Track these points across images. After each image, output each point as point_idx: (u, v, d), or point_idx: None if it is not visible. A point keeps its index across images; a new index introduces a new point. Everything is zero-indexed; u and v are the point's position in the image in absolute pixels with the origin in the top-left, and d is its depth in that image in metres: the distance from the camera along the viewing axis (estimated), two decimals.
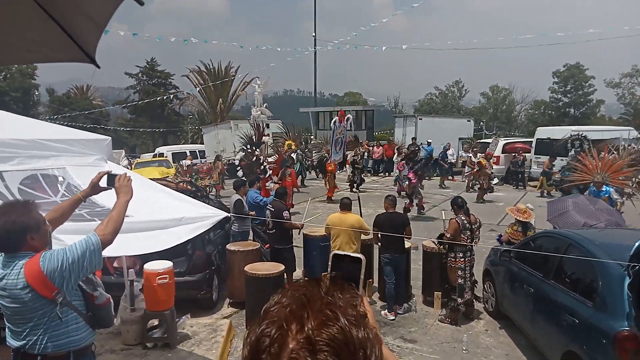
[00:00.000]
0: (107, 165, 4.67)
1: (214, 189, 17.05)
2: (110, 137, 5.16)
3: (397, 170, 17.66)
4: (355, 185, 17.93)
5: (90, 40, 1.62)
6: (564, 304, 4.92)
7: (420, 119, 25.45)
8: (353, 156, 18.49)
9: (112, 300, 2.97)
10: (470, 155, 18.69)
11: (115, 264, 6.75)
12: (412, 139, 22.70)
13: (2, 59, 1.96)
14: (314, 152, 19.54)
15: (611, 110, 49.46)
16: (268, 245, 8.10)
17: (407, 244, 7.26)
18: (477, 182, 16.93)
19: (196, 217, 4.42)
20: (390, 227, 6.74)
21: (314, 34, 34.61)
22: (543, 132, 20.58)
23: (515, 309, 6.22)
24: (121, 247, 4.10)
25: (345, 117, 16.59)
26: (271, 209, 7.78)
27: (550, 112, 44.02)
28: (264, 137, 15.94)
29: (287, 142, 18.53)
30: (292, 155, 18.11)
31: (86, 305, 2.81)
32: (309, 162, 19.64)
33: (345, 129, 16.57)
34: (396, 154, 20.50)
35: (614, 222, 7.18)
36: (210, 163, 20.75)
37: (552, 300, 5.19)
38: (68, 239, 3.28)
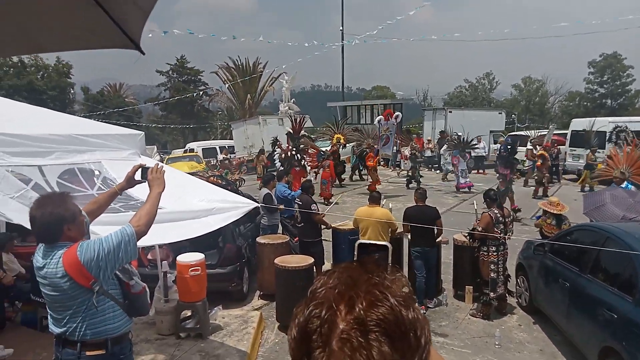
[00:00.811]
0: (140, 159, 4.78)
1: (243, 183, 17.28)
2: (142, 132, 5.26)
3: (452, 165, 17.24)
4: (413, 181, 17.23)
5: (136, 26, 1.63)
6: (601, 299, 4.77)
7: (450, 111, 25.03)
8: (411, 151, 18.15)
9: (147, 289, 3.04)
10: (531, 147, 17.45)
11: (149, 256, 6.92)
12: (441, 132, 22.37)
13: (47, 46, 2.00)
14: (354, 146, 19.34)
15: None
16: (297, 238, 8.14)
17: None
18: (537, 176, 16.01)
19: (226, 207, 4.50)
20: (420, 220, 6.67)
21: (341, 28, 34.44)
22: (578, 124, 19.95)
23: (550, 304, 6.07)
24: (155, 236, 4.20)
25: (394, 115, 16.53)
26: (299, 202, 7.81)
27: (585, 103, 42.65)
28: (302, 131, 16.02)
29: (335, 136, 18.49)
30: (341, 148, 18.08)
31: (123, 294, 2.89)
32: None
33: (394, 126, 16.47)
34: (442, 146, 19.39)
35: None
36: (239, 158, 21.04)
37: (589, 295, 5.04)
38: (103, 230, 3.39)
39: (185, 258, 5.71)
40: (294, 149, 14.92)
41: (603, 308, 4.66)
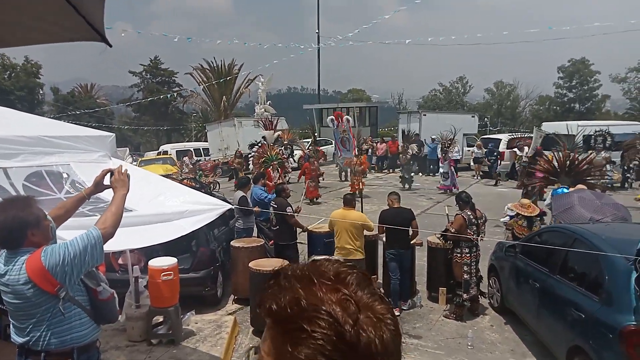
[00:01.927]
0: (111, 162, 4.67)
1: (217, 186, 17.10)
2: (113, 134, 5.15)
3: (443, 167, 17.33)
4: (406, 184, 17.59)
5: (96, 15, 1.58)
6: (570, 299, 4.88)
7: (425, 115, 25.34)
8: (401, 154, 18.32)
9: (116, 296, 2.97)
10: (516, 150, 17.42)
11: (120, 261, 6.76)
12: (415, 134, 22.61)
13: (11, 40, 1.92)
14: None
15: (616, 106, 49.11)
16: (272, 241, 8.09)
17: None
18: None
19: (200, 210, 4.43)
20: (395, 223, 6.71)
21: (317, 31, 34.55)
22: (548, 128, 20.44)
23: (521, 304, 6.19)
24: (126, 240, 4.11)
25: (344, 118, 16.61)
26: (274, 205, 7.77)
27: (555, 107, 43.77)
28: (276, 133, 15.97)
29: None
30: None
31: (90, 301, 2.81)
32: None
33: (348, 126, 16.51)
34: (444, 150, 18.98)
35: (621, 217, 7.12)
36: (214, 160, 20.81)
37: (557, 295, 5.15)
38: (70, 235, 3.29)
39: (157, 262, 5.61)
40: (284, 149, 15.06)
41: (571, 308, 4.76)
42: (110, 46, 1.78)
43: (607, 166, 13.52)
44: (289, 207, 7.70)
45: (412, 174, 18.18)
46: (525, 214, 7.50)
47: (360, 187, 15.30)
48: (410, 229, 6.89)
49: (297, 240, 8.01)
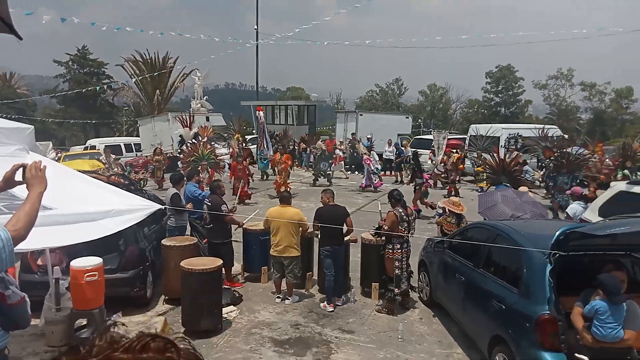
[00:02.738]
0: (29, 157, 4.36)
1: (145, 183, 16.39)
2: (32, 126, 4.82)
3: (365, 165, 17.69)
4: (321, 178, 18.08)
5: (2, 6, 1.46)
6: (492, 292, 5.16)
7: (361, 114, 25.81)
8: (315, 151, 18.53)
9: (27, 299, 2.76)
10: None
11: (39, 262, 6.34)
12: (352, 134, 22.99)
13: None
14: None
15: (538, 110, 52.51)
16: (206, 240, 7.92)
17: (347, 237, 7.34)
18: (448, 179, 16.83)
19: (126, 209, 4.24)
20: (330, 220, 6.78)
21: (255, 27, 34.20)
22: (474, 130, 21.54)
23: (448, 298, 6.46)
24: (44, 239, 3.85)
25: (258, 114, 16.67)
26: (208, 203, 7.60)
27: (483, 110, 46.12)
28: (193, 130, 15.32)
29: (236, 136, 18.22)
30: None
31: None
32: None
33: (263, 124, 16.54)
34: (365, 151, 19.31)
35: (538, 214, 7.64)
36: (146, 157, 19.97)
37: (481, 288, 5.43)
38: None
39: (80, 263, 5.31)
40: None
41: (493, 300, 5.03)
42: (21, 39, 1.65)
43: (526, 167, 14.47)
44: (224, 205, 7.56)
45: (326, 170, 18.59)
46: (456, 212, 7.83)
47: (286, 186, 15.35)
48: (344, 226, 6.99)
49: (232, 239, 7.90)
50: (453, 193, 15.95)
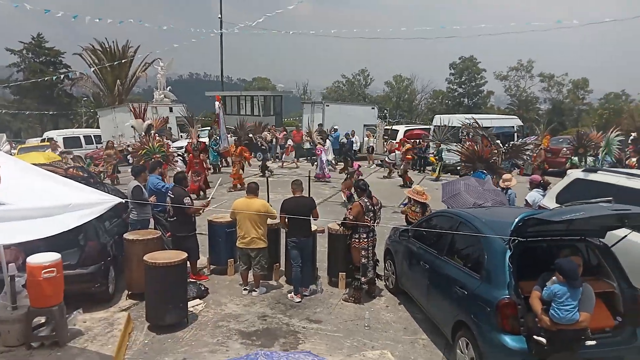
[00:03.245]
0: None
1: (104, 176, 15.83)
2: None
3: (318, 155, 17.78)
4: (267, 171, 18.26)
5: None
6: (455, 278, 5.28)
7: (328, 105, 25.81)
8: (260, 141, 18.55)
9: None
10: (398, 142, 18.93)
11: None
12: (319, 125, 22.99)
13: None
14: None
15: (499, 101, 53.87)
16: (170, 233, 7.77)
17: (314, 227, 7.36)
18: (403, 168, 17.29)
19: (85, 204, 4.10)
20: (297, 211, 6.76)
21: (219, 16, 33.59)
22: (438, 120, 21.92)
23: (413, 285, 6.58)
24: None
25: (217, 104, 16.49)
26: (171, 195, 7.45)
27: (447, 101, 46.93)
28: (147, 122, 14.75)
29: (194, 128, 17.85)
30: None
31: None
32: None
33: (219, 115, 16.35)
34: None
35: (499, 202, 7.84)
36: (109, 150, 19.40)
37: (444, 275, 5.55)
38: None
39: (37, 259, 5.09)
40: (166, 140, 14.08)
41: (456, 286, 5.16)
42: None
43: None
44: (187, 198, 7.43)
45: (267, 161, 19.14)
46: (420, 200, 7.94)
47: (241, 180, 15.29)
48: (311, 217, 6.99)
49: (198, 232, 7.78)
50: (409, 183, 16.37)
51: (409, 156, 17.75)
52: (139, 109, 14.72)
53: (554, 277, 4.34)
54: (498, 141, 14.79)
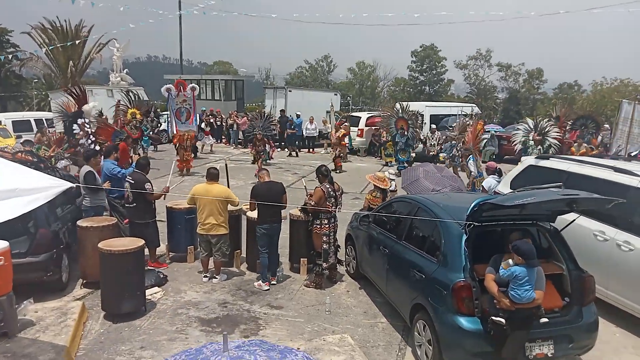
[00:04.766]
0: None
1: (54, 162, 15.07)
2: None
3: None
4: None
5: None
6: (413, 262, 5.39)
7: (290, 91, 25.60)
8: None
9: None
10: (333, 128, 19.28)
11: None
12: (281, 111, 22.82)
13: None
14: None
15: (459, 89, 54.92)
16: (127, 220, 7.57)
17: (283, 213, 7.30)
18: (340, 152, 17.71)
19: (33, 189, 3.91)
20: (268, 197, 6.68)
21: None
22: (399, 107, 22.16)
23: (373, 270, 6.68)
24: None
25: (189, 87, 15.99)
26: (131, 181, 7.23)
27: (409, 89, 47.46)
28: (86, 106, 13.95)
29: (130, 111, 17.18)
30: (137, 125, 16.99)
31: None
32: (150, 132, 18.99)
33: (192, 96, 15.94)
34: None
35: (457, 187, 8.05)
36: (60, 133, 18.59)
37: (403, 259, 5.65)
38: None
39: None
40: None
41: (414, 270, 5.27)
42: None
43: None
44: (147, 183, 7.24)
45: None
46: (380, 186, 8.04)
47: (189, 165, 15.15)
48: (282, 203, 6.92)
49: (157, 218, 7.61)
50: (341, 169, 16.67)
51: (344, 142, 18.35)
52: (78, 93, 13.71)
53: (509, 260, 4.47)
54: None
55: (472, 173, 11.62)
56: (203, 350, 1.90)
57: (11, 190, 3.82)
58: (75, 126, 12.86)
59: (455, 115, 18.69)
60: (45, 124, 22.91)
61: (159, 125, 20.89)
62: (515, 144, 14.49)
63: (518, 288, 4.34)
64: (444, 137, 17.20)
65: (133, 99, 17.95)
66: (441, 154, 16.63)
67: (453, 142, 15.34)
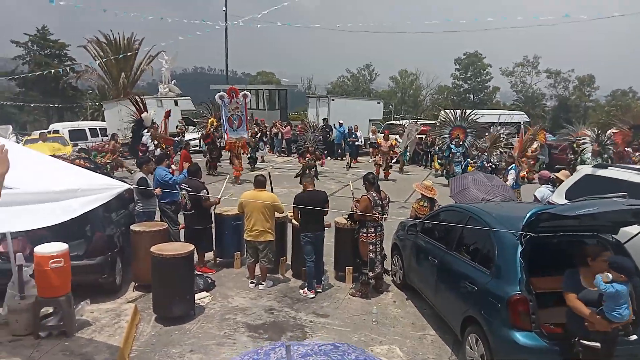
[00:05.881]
0: None
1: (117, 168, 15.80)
2: None
3: None
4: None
5: None
6: (464, 273, 5.23)
7: (333, 99, 25.71)
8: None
9: None
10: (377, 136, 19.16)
11: (0, 248, 6.08)
12: (324, 119, 22.91)
13: None
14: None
15: (505, 97, 53.58)
16: (183, 225, 7.83)
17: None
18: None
19: (93, 189, 4.06)
20: (311, 205, 6.68)
21: (224, 9, 33.50)
22: (444, 116, 21.80)
23: (421, 280, 6.53)
24: (6, 222, 3.66)
25: (241, 94, 16.22)
26: (188, 188, 7.43)
27: (452, 97, 46.76)
28: (145, 114, 14.53)
29: (210, 120, 17.69)
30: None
31: None
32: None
33: (244, 103, 16.17)
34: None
35: (508, 197, 7.79)
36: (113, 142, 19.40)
37: (453, 270, 5.50)
38: None
39: (44, 249, 5.08)
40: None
41: (465, 281, 5.10)
42: None
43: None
44: (204, 190, 7.45)
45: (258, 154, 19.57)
46: (428, 195, 7.89)
47: (238, 174, 15.38)
48: (326, 210, 6.92)
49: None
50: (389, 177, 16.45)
51: (394, 151, 17.96)
52: (140, 103, 14.57)
53: (607, 275, 3.98)
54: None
55: (508, 182, 11.14)
56: (270, 354, 1.88)
57: (73, 191, 3.97)
58: (145, 134, 13.53)
59: (498, 123, 18.05)
60: (99, 133, 23.99)
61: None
62: (586, 157, 13.73)
63: (619, 307, 3.96)
64: (473, 147, 16.46)
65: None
66: (469, 165, 15.94)
67: (484, 154, 14.89)
